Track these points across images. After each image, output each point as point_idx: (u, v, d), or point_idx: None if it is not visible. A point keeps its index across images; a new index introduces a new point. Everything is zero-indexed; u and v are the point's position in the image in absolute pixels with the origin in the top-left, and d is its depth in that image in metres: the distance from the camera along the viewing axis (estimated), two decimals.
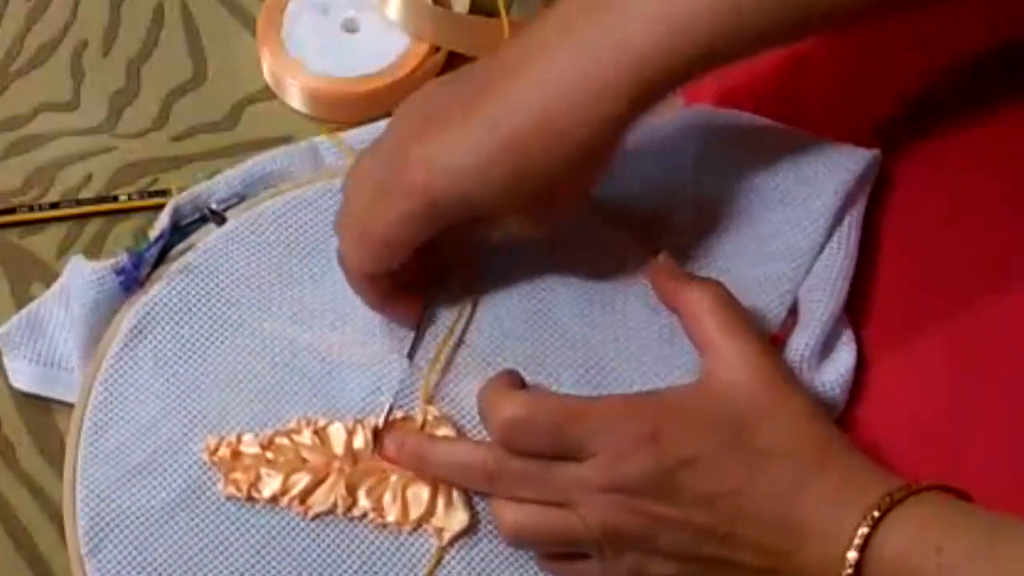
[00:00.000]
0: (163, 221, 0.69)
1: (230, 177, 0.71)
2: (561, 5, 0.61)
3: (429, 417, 0.64)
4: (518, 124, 0.59)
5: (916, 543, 0.54)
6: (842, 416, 0.65)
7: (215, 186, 0.71)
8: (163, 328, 0.67)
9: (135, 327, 0.67)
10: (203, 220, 0.70)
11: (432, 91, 0.62)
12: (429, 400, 0.64)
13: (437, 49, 0.78)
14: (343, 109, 0.76)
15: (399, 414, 0.64)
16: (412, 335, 0.65)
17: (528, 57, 0.60)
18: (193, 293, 0.67)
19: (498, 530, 0.60)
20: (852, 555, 0.54)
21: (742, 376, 0.59)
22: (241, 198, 0.70)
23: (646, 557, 0.58)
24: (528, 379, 0.63)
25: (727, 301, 0.61)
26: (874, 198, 0.68)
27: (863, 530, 0.54)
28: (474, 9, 0.80)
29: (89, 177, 0.75)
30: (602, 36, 0.59)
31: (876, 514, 0.54)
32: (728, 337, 0.59)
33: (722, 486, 0.56)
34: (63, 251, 0.73)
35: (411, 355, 0.65)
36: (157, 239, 0.68)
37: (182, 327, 0.67)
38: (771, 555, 0.56)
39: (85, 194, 0.74)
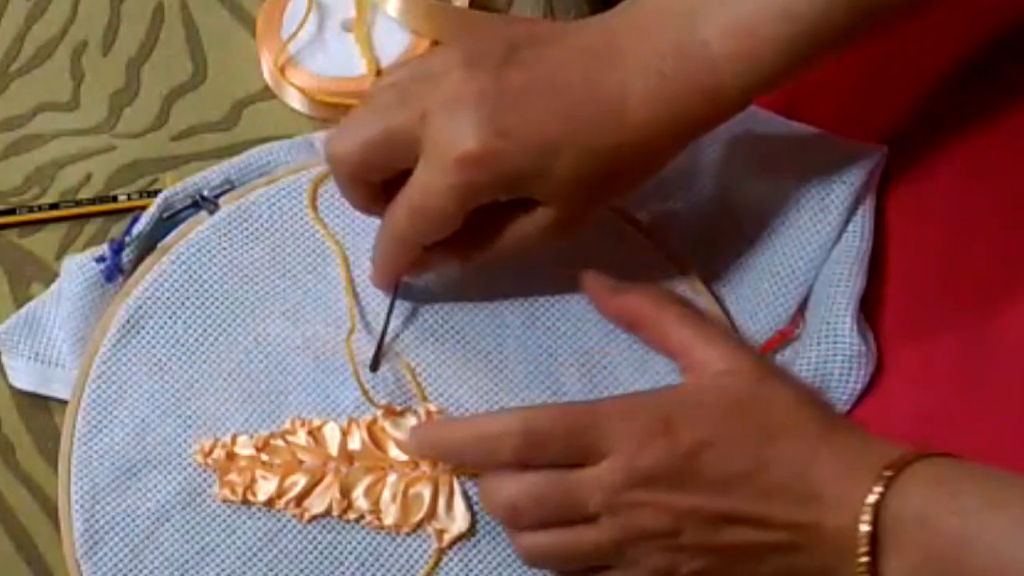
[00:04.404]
0: (151, 210, 0.69)
1: (224, 168, 0.71)
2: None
3: (432, 407, 0.64)
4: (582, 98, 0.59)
5: (932, 498, 0.55)
6: (848, 415, 0.64)
7: (208, 175, 0.70)
8: (155, 324, 0.66)
9: (127, 322, 0.66)
10: (196, 207, 0.69)
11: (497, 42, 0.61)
12: (424, 397, 0.64)
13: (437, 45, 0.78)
14: (343, 109, 0.76)
15: (398, 409, 0.64)
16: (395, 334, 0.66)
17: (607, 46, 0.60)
18: (185, 286, 0.67)
19: (520, 556, 0.60)
20: (866, 518, 0.55)
21: (732, 371, 0.60)
22: (233, 185, 0.70)
23: (674, 556, 0.58)
24: (528, 377, 0.64)
25: (687, 310, 0.63)
26: (880, 197, 0.68)
27: (878, 488, 0.55)
28: (473, 4, 0.80)
29: (88, 177, 0.75)
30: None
31: (889, 474, 0.55)
32: (707, 343, 0.61)
33: (737, 466, 0.57)
34: (63, 251, 0.72)
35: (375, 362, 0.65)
36: (134, 220, 0.68)
37: (175, 323, 0.66)
38: (795, 529, 0.57)
39: (85, 194, 0.74)
